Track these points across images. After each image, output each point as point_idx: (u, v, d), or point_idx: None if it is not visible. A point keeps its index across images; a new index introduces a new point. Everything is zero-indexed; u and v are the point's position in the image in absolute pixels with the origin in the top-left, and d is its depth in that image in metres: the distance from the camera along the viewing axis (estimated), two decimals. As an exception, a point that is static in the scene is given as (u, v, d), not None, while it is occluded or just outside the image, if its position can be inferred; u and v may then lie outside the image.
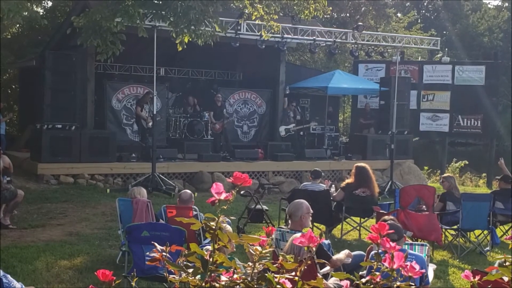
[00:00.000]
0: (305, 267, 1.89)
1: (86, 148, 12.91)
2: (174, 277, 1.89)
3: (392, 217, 5.85)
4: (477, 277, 2.01)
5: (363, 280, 1.92)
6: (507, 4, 38.83)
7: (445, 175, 9.87)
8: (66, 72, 12.70)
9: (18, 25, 20.58)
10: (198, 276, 1.87)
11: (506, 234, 9.20)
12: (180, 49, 10.41)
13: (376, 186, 8.99)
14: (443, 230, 8.69)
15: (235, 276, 1.86)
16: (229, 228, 4.75)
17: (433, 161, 19.54)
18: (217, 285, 1.82)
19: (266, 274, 1.84)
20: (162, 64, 16.52)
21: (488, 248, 8.69)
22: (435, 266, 6.10)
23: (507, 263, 1.96)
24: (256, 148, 15.56)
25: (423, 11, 42.21)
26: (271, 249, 1.94)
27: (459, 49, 32.48)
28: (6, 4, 8.69)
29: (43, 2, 22.55)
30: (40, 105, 12.89)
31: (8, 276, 3.71)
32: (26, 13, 9.80)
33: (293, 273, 1.87)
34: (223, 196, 1.88)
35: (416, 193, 8.55)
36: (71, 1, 20.89)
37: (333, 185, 9.79)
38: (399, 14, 34.67)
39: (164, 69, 17.36)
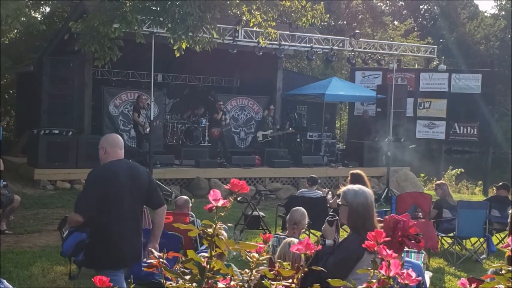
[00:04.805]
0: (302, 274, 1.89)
1: (83, 153, 12.89)
2: (171, 284, 1.90)
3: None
4: (473, 285, 2.01)
5: (360, 287, 1.92)
6: (503, 13, 39.03)
7: (438, 182, 9.90)
8: (63, 77, 12.71)
9: (16, 31, 20.60)
10: (195, 283, 1.87)
11: (502, 242, 9.21)
12: (177, 55, 10.43)
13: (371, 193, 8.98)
14: (439, 237, 8.71)
15: (232, 283, 1.87)
16: (224, 235, 4.71)
17: (430, 168, 19.57)
18: (214, 291, 1.83)
19: (263, 281, 1.85)
20: (160, 70, 16.55)
21: (484, 255, 8.70)
22: (431, 274, 6.11)
23: (503, 271, 1.97)
24: (253, 155, 15.57)
25: (420, 19, 42.39)
26: (268, 256, 1.94)
27: (455, 57, 32.64)
28: (4, 9, 8.70)
29: (41, 7, 22.62)
30: (37, 111, 12.89)
31: (4, 281, 3.70)
32: (24, 19, 9.82)
33: (290, 280, 1.88)
34: (220, 203, 1.89)
35: (412, 200, 8.56)
36: (69, 7, 20.93)
37: (329, 192, 9.79)
38: (396, 22, 34.82)
39: (161, 75, 17.38)
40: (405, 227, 3.64)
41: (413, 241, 3.67)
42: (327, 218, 3.95)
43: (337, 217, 3.94)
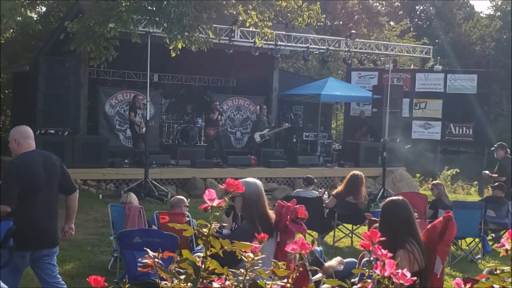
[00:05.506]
0: (297, 274, 1.90)
1: (79, 153, 12.86)
2: (166, 284, 1.89)
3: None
4: (468, 285, 2.02)
5: (355, 287, 1.92)
6: (499, 13, 39.13)
7: (434, 182, 9.92)
8: (59, 77, 12.67)
9: (11, 30, 20.55)
10: (190, 283, 1.87)
11: (497, 242, 9.24)
12: (173, 55, 10.43)
13: (363, 193, 9.01)
14: (435, 237, 8.71)
15: (227, 282, 1.87)
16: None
17: (425, 168, 19.62)
18: (209, 291, 1.83)
19: (258, 281, 1.85)
20: (156, 70, 16.52)
21: (479, 256, 8.72)
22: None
23: (498, 271, 1.98)
24: (249, 155, 15.58)
25: (416, 20, 42.47)
26: (263, 256, 1.94)
27: (451, 58, 32.70)
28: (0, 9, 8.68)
29: (37, 7, 22.57)
30: (33, 111, 12.85)
31: (0, 282, 3.71)
32: (20, 18, 9.80)
33: (285, 280, 1.88)
34: (215, 203, 1.89)
35: (408, 200, 8.56)
36: (65, 7, 20.90)
37: (325, 192, 9.81)
38: (391, 23, 34.89)
39: (157, 75, 17.36)
40: (291, 211, 3.84)
41: (295, 224, 3.89)
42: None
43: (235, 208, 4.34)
